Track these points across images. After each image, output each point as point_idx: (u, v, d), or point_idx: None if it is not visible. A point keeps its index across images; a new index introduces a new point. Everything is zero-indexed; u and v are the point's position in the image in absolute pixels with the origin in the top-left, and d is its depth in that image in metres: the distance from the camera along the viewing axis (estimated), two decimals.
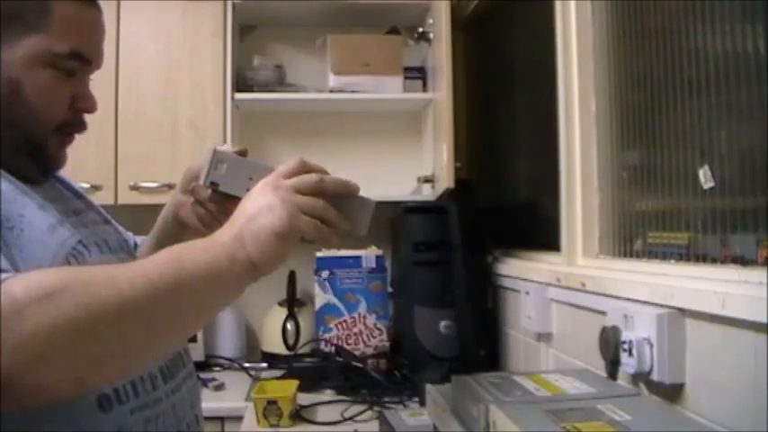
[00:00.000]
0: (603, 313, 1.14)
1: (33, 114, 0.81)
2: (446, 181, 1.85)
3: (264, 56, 2.26)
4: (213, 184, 0.87)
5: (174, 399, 0.85)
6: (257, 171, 0.85)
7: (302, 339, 2.13)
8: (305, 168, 0.80)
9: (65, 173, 0.96)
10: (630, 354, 0.99)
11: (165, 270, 0.66)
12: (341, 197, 0.81)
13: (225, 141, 2.06)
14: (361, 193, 0.86)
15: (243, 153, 0.91)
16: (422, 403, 1.58)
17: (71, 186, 0.96)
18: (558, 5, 1.48)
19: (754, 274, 0.87)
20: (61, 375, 0.59)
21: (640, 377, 1.02)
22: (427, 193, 2.10)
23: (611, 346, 1.06)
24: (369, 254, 2.05)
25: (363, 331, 2.02)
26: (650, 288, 1.00)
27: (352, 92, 2.14)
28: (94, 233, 0.88)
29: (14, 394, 0.57)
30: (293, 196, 0.74)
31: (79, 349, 0.60)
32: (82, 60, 0.84)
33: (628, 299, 1.07)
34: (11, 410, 0.60)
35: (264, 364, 2.09)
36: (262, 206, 0.73)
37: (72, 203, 0.91)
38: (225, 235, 0.71)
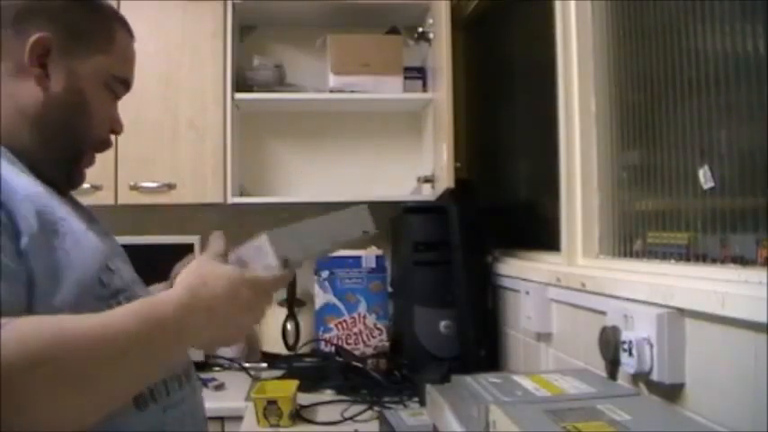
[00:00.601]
0: (603, 313, 1.14)
1: (89, 127, 0.88)
2: (446, 181, 1.85)
3: (264, 56, 2.26)
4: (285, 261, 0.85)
5: (192, 401, 0.90)
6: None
7: (302, 339, 2.13)
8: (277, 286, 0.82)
9: None
10: (630, 354, 0.99)
11: (106, 333, 0.66)
12: (333, 216, 0.87)
13: (225, 142, 2.06)
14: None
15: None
16: (422, 403, 1.58)
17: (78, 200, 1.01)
18: (557, 5, 1.48)
19: (754, 274, 0.87)
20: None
21: (640, 377, 1.02)
22: (427, 193, 2.10)
23: (611, 346, 1.06)
24: (369, 254, 2.05)
25: (363, 331, 2.02)
26: (650, 288, 1.00)
27: (352, 92, 2.14)
28: (108, 243, 0.93)
29: None
30: (249, 318, 0.78)
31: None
32: (127, 87, 0.93)
33: (628, 299, 1.07)
34: None
35: (264, 364, 2.10)
36: (222, 311, 0.74)
37: (87, 214, 0.95)
38: (171, 319, 0.71)
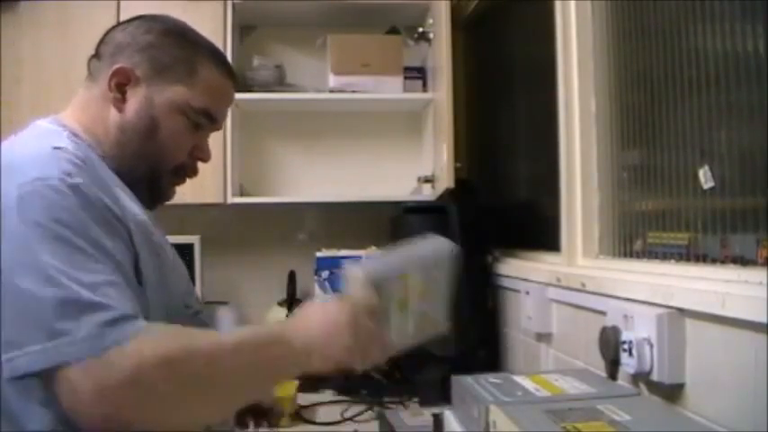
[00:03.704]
0: (603, 313, 1.14)
1: (162, 152, 0.95)
2: (446, 181, 1.85)
3: (264, 56, 2.26)
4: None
5: None
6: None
7: None
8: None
9: None
10: (630, 354, 0.99)
11: (242, 361, 0.77)
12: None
13: (225, 142, 2.06)
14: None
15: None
16: (422, 403, 1.58)
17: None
18: (558, 5, 1.48)
19: (754, 274, 0.87)
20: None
21: (640, 377, 1.02)
22: (427, 193, 2.10)
23: (611, 346, 1.06)
24: (369, 254, 2.05)
25: None
26: (650, 288, 1.00)
27: (353, 92, 2.14)
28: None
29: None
30: (368, 342, 0.87)
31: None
32: (210, 119, 0.98)
33: (628, 299, 1.07)
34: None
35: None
36: (335, 339, 0.84)
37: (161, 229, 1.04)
38: (295, 345, 0.82)
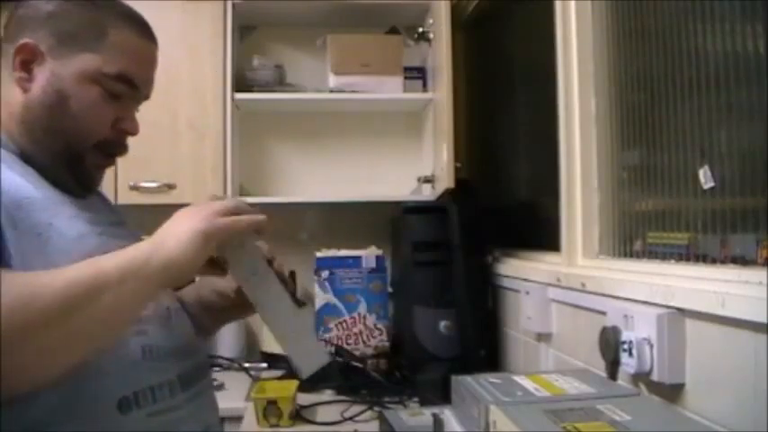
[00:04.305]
0: (603, 313, 1.14)
1: (76, 126, 0.87)
2: (446, 181, 1.85)
3: (264, 56, 2.26)
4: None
5: (190, 407, 0.88)
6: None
7: None
8: (234, 208, 0.83)
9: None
10: (630, 354, 0.99)
11: (80, 276, 0.69)
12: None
13: (225, 142, 2.06)
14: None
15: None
16: (422, 403, 1.58)
17: (109, 202, 1.03)
18: (558, 5, 1.48)
19: (754, 274, 0.87)
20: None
21: (640, 377, 1.02)
22: (427, 193, 2.10)
23: (611, 346, 1.06)
24: (369, 254, 2.05)
25: (363, 331, 2.02)
26: (650, 288, 1.00)
27: (353, 92, 2.14)
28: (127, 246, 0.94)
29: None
30: (211, 206, 0.81)
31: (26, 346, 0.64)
32: (130, 85, 0.90)
33: (628, 299, 1.07)
34: None
35: (264, 364, 2.09)
36: (182, 214, 0.79)
37: (111, 216, 0.97)
38: (139, 246, 0.75)
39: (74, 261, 0.77)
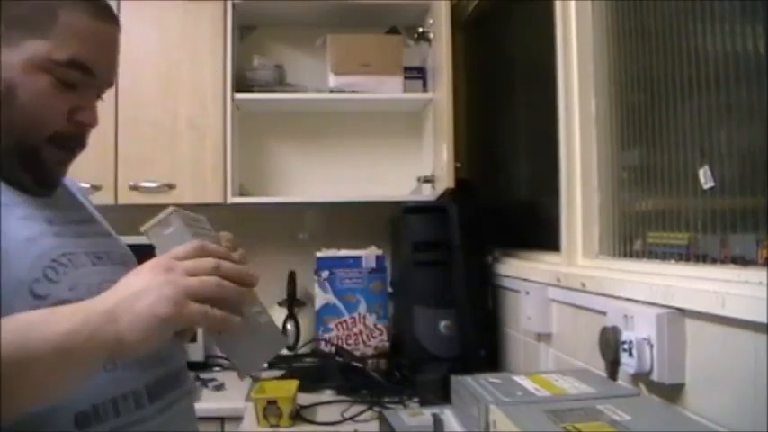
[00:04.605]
0: (603, 313, 1.14)
1: (26, 119, 0.80)
2: (446, 181, 1.85)
3: (264, 56, 2.26)
4: (137, 250, 0.82)
5: (161, 419, 0.82)
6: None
7: (302, 339, 2.13)
8: (203, 253, 0.73)
9: (77, 182, 0.97)
10: (630, 354, 0.99)
11: (11, 339, 0.60)
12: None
13: (225, 142, 2.06)
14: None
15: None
16: (422, 403, 1.58)
17: (77, 198, 0.96)
18: (558, 5, 1.48)
19: (754, 274, 0.87)
20: None
21: (640, 377, 1.02)
22: (427, 193, 2.10)
23: (611, 346, 1.06)
24: (369, 254, 2.05)
25: (363, 331, 2.02)
26: (650, 288, 1.00)
27: (353, 92, 2.14)
28: (96, 244, 0.88)
29: None
30: (184, 279, 0.69)
31: None
32: (84, 71, 0.82)
33: (628, 299, 1.07)
34: None
35: (265, 364, 2.09)
36: (150, 285, 0.68)
37: (75, 214, 0.90)
38: (96, 307, 0.66)
39: (26, 264, 0.73)
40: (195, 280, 0.69)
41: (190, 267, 0.70)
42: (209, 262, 0.72)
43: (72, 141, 0.85)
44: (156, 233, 0.78)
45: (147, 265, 0.71)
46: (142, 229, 0.79)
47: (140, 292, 0.67)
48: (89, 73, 0.82)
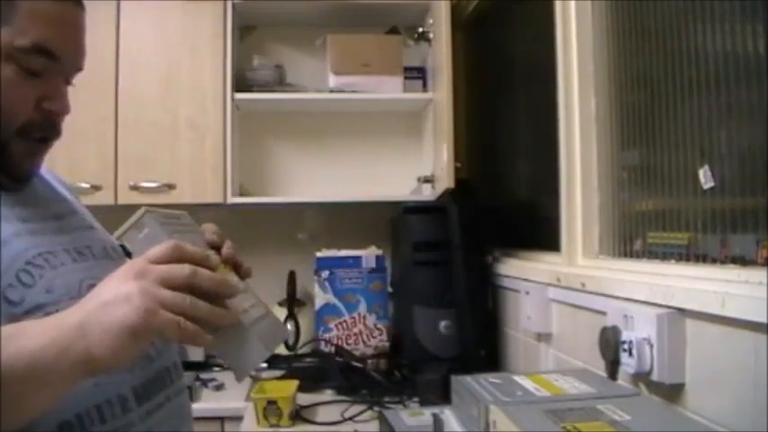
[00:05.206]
0: (603, 313, 1.14)
1: None
2: (446, 181, 1.85)
3: (264, 56, 2.26)
4: (123, 247, 0.79)
5: (150, 422, 0.79)
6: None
7: (302, 339, 2.13)
8: (178, 256, 0.67)
9: (59, 174, 0.95)
10: (630, 354, 0.99)
11: None
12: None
13: (225, 142, 2.06)
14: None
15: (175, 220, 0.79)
16: (422, 403, 1.58)
17: (56, 190, 0.92)
18: (558, 5, 1.48)
19: (754, 274, 0.87)
20: None
21: (640, 377, 1.02)
22: (427, 193, 2.10)
23: (611, 346, 1.06)
24: (369, 254, 2.05)
25: (363, 331, 2.02)
26: (650, 288, 1.00)
27: (353, 92, 2.14)
28: (76, 239, 0.84)
29: None
30: (156, 289, 0.64)
31: None
32: (50, 57, 0.77)
33: (628, 299, 1.07)
34: None
35: (264, 364, 2.09)
36: (118, 295, 0.63)
37: (54, 208, 0.87)
38: (66, 322, 0.63)
39: (1, 266, 0.69)
40: (168, 294, 0.64)
41: (164, 274, 0.65)
42: (183, 269, 0.66)
43: (43, 131, 0.80)
44: (131, 237, 0.74)
45: (119, 270, 0.66)
46: (115, 234, 0.76)
47: (109, 303, 0.63)
48: (54, 58, 0.78)
